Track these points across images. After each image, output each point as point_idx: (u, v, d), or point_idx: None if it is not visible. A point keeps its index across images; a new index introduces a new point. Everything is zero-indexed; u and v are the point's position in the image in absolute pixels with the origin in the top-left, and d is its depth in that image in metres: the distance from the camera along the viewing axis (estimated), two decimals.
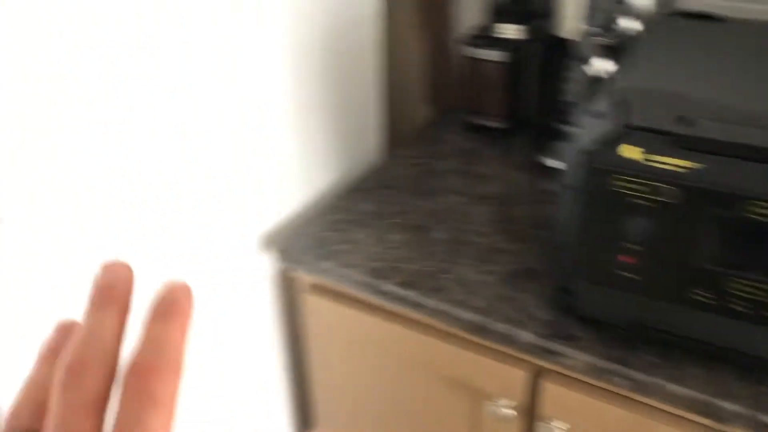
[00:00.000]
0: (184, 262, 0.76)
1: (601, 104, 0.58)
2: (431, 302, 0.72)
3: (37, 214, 0.59)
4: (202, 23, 0.69)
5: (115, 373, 0.24)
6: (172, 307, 0.25)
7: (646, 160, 0.56)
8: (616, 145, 0.56)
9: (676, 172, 0.55)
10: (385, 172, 0.96)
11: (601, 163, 0.58)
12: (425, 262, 0.78)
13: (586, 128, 0.58)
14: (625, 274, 0.61)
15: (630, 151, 0.56)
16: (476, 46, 0.99)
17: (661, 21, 0.73)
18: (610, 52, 0.73)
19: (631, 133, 0.56)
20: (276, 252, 0.83)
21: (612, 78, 0.60)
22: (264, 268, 0.89)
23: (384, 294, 0.75)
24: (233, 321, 0.86)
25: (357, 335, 0.83)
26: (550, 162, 0.93)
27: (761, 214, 0.53)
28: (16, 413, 0.25)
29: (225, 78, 0.74)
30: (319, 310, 0.85)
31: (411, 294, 0.73)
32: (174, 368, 0.24)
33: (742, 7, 0.96)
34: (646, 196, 0.57)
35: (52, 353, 0.27)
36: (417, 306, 0.73)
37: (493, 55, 0.98)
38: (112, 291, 0.25)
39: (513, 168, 0.96)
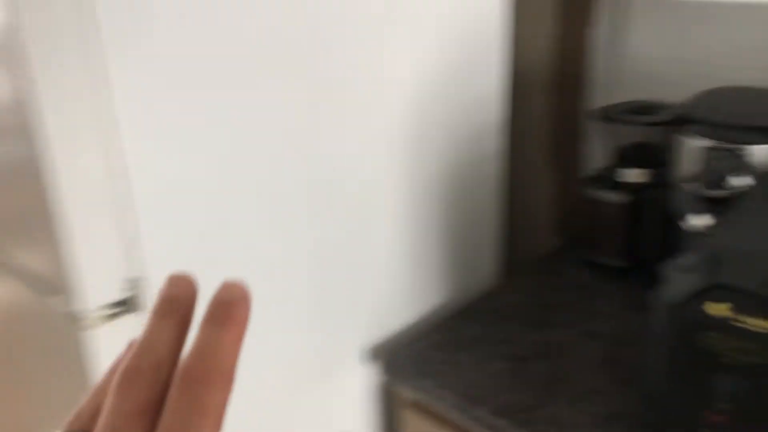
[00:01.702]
0: (287, 365, 0.84)
1: (692, 258, 0.60)
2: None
3: None
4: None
5: (169, 383, 0.24)
6: (229, 313, 0.24)
7: (733, 318, 0.56)
8: (702, 301, 0.58)
9: (760, 333, 0.55)
10: (497, 299, 1.00)
11: (685, 318, 0.59)
12: (522, 393, 0.80)
13: (675, 281, 0.60)
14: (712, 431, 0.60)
15: (716, 309, 0.57)
16: (598, 187, 1.03)
17: None
18: (715, 206, 0.74)
19: (718, 291, 0.57)
20: (380, 364, 0.88)
21: (707, 233, 0.62)
22: (366, 380, 0.95)
23: (475, 419, 0.78)
24: (334, 429, 0.92)
25: None
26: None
27: None
28: (77, 416, 0.26)
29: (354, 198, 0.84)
30: (416, 427, 0.89)
31: (501, 423, 0.75)
32: (226, 378, 0.23)
33: None
34: (735, 353, 0.57)
35: (117, 366, 0.27)
36: None
37: (613, 197, 1.01)
38: (174, 303, 0.25)
39: (626, 308, 0.96)
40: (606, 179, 1.03)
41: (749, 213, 0.66)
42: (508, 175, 1.14)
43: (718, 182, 0.73)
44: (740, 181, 0.74)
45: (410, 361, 0.86)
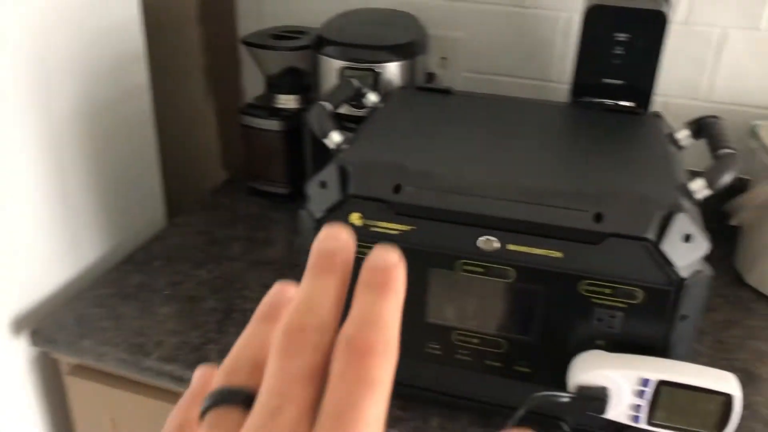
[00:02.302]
0: None
1: (326, 174, 0.61)
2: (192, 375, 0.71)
3: None
4: None
5: (333, 345, 0.22)
6: (387, 279, 0.23)
7: (366, 225, 0.60)
8: (343, 213, 0.60)
9: (390, 234, 0.59)
10: (162, 243, 0.95)
11: None
12: (192, 333, 0.77)
13: (316, 197, 0.62)
14: None
15: (353, 218, 0.60)
16: (256, 115, 1.02)
17: (397, 95, 0.80)
18: (351, 123, 0.78)
19: (353, 202, 0.60)
20: (27, 333, 0.78)
21: (339, 150, 0.65)
22: (20, 351, 0.83)
23: (145, 370, 0.73)
24: None
25: (123, 415, 0.80)
26: None
27: (468, 271, 0.59)
28: (232, 369, 0.24)
29: None
30: (82, 392, 0.81)
31: (171, 367, 0.72)
32: (391, 349, 0.22)
33: (500, 81, 1.07)
34: None
35: (269, 314, 0.26)
36: (179, 380, 0.72)
37: (270, 124, 1.01)
38: (334, 258, 0.24)
39: (293, 232, 0.98)
40: (263, 107, 1.03)
41: (375, 129, 0.70)
42: (163, 109, 1.07)
43: (353, 100, 0.77)
44: (373, 98, 0.78)
45: (66, 324, 0.78)
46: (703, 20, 0.94)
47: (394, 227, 0.59)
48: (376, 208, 0.59)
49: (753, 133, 0.86)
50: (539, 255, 0.56)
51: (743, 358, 0.76)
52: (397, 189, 0.59)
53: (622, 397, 0.55)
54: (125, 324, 0.78)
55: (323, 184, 0.61)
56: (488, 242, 0.57)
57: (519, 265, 0.57)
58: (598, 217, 0.55)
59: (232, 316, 0.80)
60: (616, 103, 0.82)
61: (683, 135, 0.70)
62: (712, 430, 0.54)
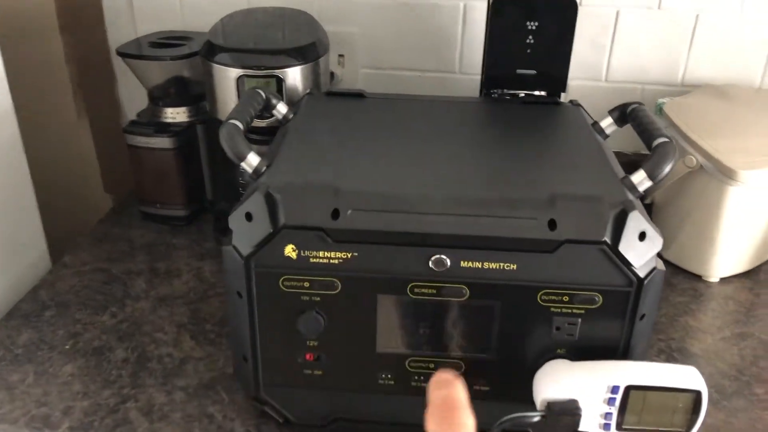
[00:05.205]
0: None
1: (251, 204, 0.55)
2: None
3: None
4: None
5: None
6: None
7: (303, 257, 0.54)
8: (276, 246, 0.54)
9: (331, 264, 0.54)
10: (51, 288, 0.83)
11: (264, 267, 0.54)
12: (104, 392, 0.68)
13: (241, 231, 0.55)
14: (311, 372, 0.59)
15: (288, 250, 0.54)
16: (141, 134, 0.92)
17: (307, 103, 0.73)
18: (259, 137, 0.71)
19: (285, 233, 0.53)
20: None
21: (259, 173, 0.58)
22: None
23: None
24: None
25: None
26: None
27: (416, 293, 0.55)
28: None
29: None
30: None
31: None
32: None
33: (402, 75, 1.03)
34: (311, 291, 0.55)
35: None
36: None
37: (159, 142, 0.92)
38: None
39: (198, 258, 0.90)
40: (148, 123, 0.93)
41: (294, 145, 0.64)
42: (30, 133, 0.94)
43: (256, 112, 0.69)
44: (282, 108, 0.72)
45: None
46: (598, 2, 0.95)
47: (335, 255, 0.54)
48: (312, 237, 0.53)
49: (659, 110, 0.87)
50: (493, 269, 0.53)
51: (677, 336, 0.77)
52: (335, 214, 0.53)
53: (592, 408, 0.52)
54: (21, 394, 0.67)
55: (249, 216, 0.54)
56: (439, 261, 0.53)
57: (473, 282, 0.53)
58: (552, 224, 0.52)
59: (147, 366, 0.71)
60: (531, 94, 0.80)
61: (606, 123, 0.69)
62: (682, 427, 0.53)
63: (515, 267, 0.53)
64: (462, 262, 0.53)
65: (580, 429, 0.53)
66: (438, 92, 0.88)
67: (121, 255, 0.91)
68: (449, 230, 0.52)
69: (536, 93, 0.81)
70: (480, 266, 0.53)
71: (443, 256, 0.53)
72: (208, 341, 0.75)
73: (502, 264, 0.53)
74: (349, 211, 0.53)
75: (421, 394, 0.59)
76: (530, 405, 0.55)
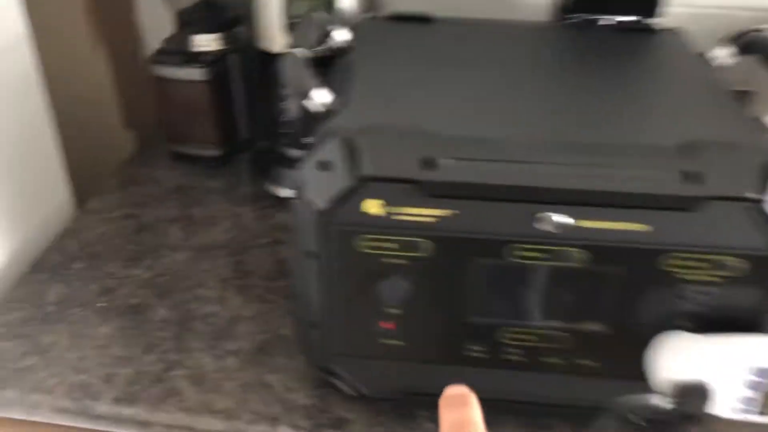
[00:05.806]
0: None
1: (327, 151, 0.46)
2: (164, 417, 0.56)
3: None
4: None
5: None
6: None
7: (389, 214, 0.45)
8: (357, 201, 0.45)
9: (424, 223, 0.45)
10: (78, 237, 0.75)
11: (342, 225, 0.46)
12: (147, 358, 0.61)
13: (315, 183, 0.46)
14: (389, 342, 0.51)
15: (372, 206, 0.45)
16: (170, 63, 0.82)
17: (367, 29, 0.63)
18: (320, 69, 0.62)
19: (370, 186, 0.45)
20: None
21: (331, 112, 0.49)
22: None
23: (98, 419, 0.57)
24: None
25: None
26: (280, 191, 0.81)
27: (522, 257, 0.46)
28: None
29: None
30: None
31: (135, 411, 0.56)
32: None
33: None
34: (396, 252, 0.47)
35: None
36: (144, 426, 0.56)
37: (189, 73, 0.82)
38: None
39: (238, 204, 0.81)
40: (177, 53, 0.83)
41: (362, 79, 0.55)
42: (42, 66, 0.84)
43: (317, 39, 0.60)
44: (342, 36, 0.62)
45: None
46: None
47: (429, 213, 0.45)
48: (401, 191, 0.45)
49: None
50: (618, 230, 0.45)
51: None
52: (428, 163, 0.44)
53: (728, 392, 0.45)
54: (56, 358, 0.60)
55: (324, 166, 0.46)
56: (558, 220, 0.44)
57: (592, 244, 0.45)
58: (692, 177, 0.43)
59: (192, 326, 0.64)
60: (620, 21, 0.70)
61: (722, 54, 0.60)
62: None
63: (649, 228, 0.44)
64: (583, 222, 0.44)
65: (711, 412, 0.46)
66: (494, 14, 0.78)
67: (150, 199, 0.82)
68: (571, 184, 0.43)
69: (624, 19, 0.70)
70: (603, 227, 0.45)
71: (559, 215, 0.44)
72: (257, 298, 0.67)
73: (629, 224, 0.44)
74: (448, 160, 0.44)
75: (514, 368, 0.52)
76: (641, 383, 0.48)
